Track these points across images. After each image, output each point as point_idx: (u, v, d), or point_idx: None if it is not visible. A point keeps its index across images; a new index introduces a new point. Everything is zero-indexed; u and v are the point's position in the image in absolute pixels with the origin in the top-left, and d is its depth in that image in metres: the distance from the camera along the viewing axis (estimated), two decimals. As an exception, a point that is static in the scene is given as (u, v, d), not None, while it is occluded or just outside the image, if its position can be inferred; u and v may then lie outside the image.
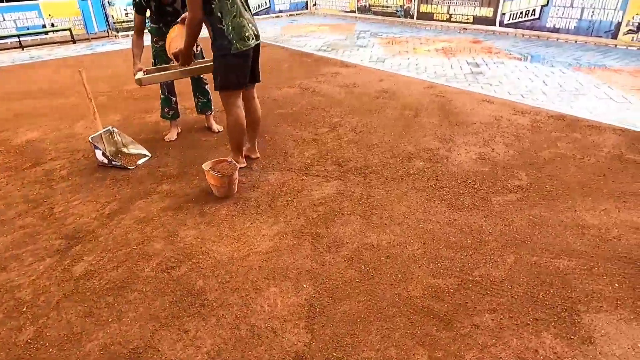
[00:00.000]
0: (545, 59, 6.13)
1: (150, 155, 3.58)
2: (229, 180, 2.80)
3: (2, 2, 10.05)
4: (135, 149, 3.64)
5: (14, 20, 9.88)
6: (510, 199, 2.68)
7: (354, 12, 11.60)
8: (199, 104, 4.03)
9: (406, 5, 9.98)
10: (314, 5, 13.15)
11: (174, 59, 3.19)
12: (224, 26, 2.71)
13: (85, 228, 2.62)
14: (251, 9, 2.95)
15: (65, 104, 5.14)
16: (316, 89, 5.18)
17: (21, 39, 9.61)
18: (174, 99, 3.90)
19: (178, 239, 2.47)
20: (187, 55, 2.99)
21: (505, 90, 4.85)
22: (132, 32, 3.61)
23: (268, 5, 12.52)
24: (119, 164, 3.39)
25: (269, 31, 9.96)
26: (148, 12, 3.47)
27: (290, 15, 12.94)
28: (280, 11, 12.82)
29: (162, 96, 3.89)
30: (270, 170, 3.22)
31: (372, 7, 10.99)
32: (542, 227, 2.40)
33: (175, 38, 3.14)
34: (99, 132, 3.44)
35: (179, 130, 4.05)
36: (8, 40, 9.70)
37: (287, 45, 8.08)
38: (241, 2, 2.81)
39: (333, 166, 3.24)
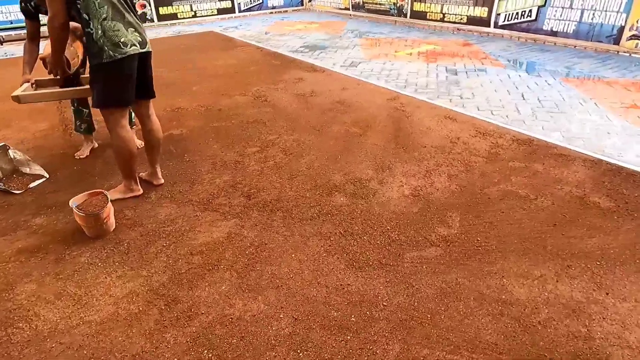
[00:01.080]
0: (534, 66, 5.51)
1: (47, 177, 3.16)
2: (94, 220, 2.36)
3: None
4: (31, 169, 3.22)
5: (-3, 15, 9.63)
6: (428, 256, 2.17)
7: (348, 9, 11.03)
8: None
9: (399, 3, 9.37)
10: (310, 1, 12.60)
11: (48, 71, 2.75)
12: (92, 30, 2.29)
13: None
14: (136, 11, 2.49)
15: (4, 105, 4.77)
16: (269, 98, 4.70)
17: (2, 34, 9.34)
18: (86, 110, 3.46)
19: (10, 296, 2.03)
20: (55, 63, 2.56)
21: (476, 104, 4.28)
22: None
23: (260, 1, 12.03)
24: (3, 187, 2.98)
25: (252, 29, 9.49)
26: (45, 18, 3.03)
27: (285, 12, 12.42)
28: (274, 7, 12.30)
29: (72, 107, 3.46)
30: (166, 202, 2.76)
31: (365, 5, 10.39)
32: (452, 300, 1.89)
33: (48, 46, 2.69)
34: (-15, 151, 3.04)
35: (95, 146, 3.62)
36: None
37: (265, 46, 7.59)
38: (120, 2, 2.38)
39: (240, 199, 2.76)
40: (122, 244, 2.37)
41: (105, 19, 2.28)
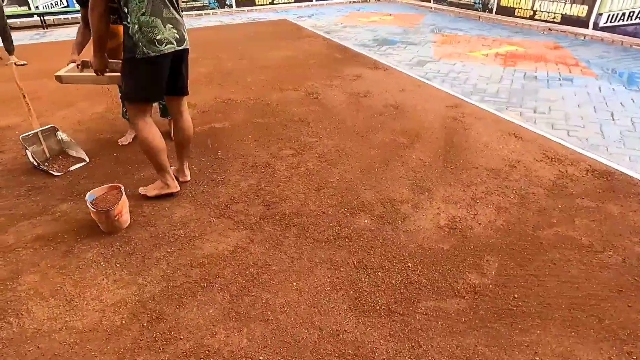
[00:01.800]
0: (635, 79, 4.68)
1: (87, 161, 3.23)
2: (105, 216, 2.31)
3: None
4: (76, 152, 3.32)
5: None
6: (447, 309, 1.83)
7: (429, 1, 10.36)
8: (160, 106, 3.59)
9: (485, -3, 8.57)
10: (390, -9, 12.06)
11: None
12: (129, 24, 2.20)
13: (-53, 249, 2.33)
14: (178, 6, 2.36)
15: (66, 87, 5.04)
16: (320, 95, 4.47)
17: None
18: (132, 98, 3.50)
19: (12, 285, 2.05)
20: (96, 62, 2.48)
21: (550, 120, 3.70)
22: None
23: (339, -10, 11.74)
24: (44, 169, 3.09)
25: (324, 19, 9.26)
26: None
27: (364, 1, 12.02)
28: (353, -4, 11.96)
29: (120, 93, 3.51)
30: (186, 202, 2.67)
31: (448, -3, 9.68)
32: (464, 374, 1.55)
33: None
34: (34, 132, 3.16)
35: (139, 133, 3.65)
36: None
37: (332, 37, 7.34)
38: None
39: (259, 207, 2.59)
40: (129, 244, 2.30)
41: (143, 13, 2.17)
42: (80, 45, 3.07)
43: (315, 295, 1.92)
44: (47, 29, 9.52)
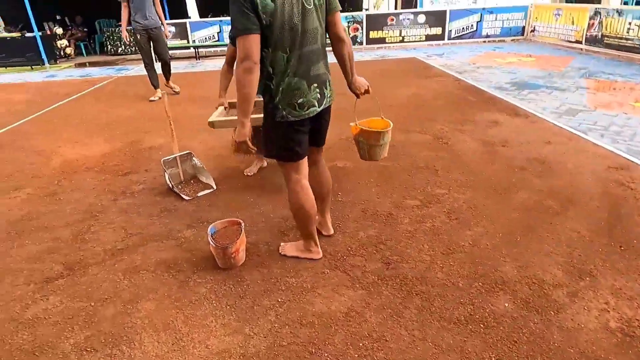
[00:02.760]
0: None
1: (214, 188, 3.35)
2: (222, 252, 2.28)
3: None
4: (206, 178, 3.47)
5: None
6: None
7: (580, 42, 9.30)
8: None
9: (655, 39, 7.36)
10: (532, 31, 11.16)
11: None
12: (272, 85, 1.99)
13: (86, 261, 2.51)
14: (326, 57, 2.10)
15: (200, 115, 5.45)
16: (451, 141, 4.11)
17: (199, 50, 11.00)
18: (262, 131, 3.58)
19: (131, 310, 2.08)
20: (240, 123, 2.00)
21: None
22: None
23: (474, 29, 11.25)
24: (177, 192, 3.26)
25: (456, 58, 8.85)
26: None
27: (500, 41, 11.32)
28: (488, 36, 11.35)
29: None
30: (301, 246, 2.53)
31: (605, 38, 8.57)
32: None
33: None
34: (174, 156, 3.38)
35: (264, 165, 3.72)
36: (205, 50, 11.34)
37: (464, 78, 6.92)
38: (312, 52, 1.99)
39: (377, 264, 2.33)
40: (242, 284, 2.22)
41: (289, 74, 1.96)
42: (224, 89, 3.22)
43: (441, 395, 1.58)
44: (199, 59, 10.75)
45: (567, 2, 11.41)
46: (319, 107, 2.08)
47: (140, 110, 5.85)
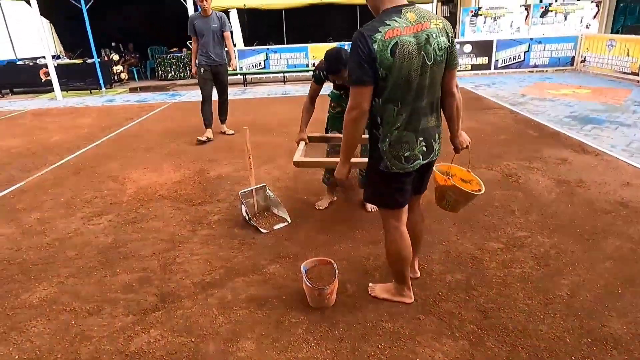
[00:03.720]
0: None
1: (289, 222, 3.39)
2: (318, 293, 2.28)
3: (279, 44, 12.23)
4: (280, 211, 3.52)
5: (287, 59, 11.86)
6: None
7: (637, 74, 9.05)
8: (359, 176, 3.64)
9: None
10: (583, 61, 10.95)
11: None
12: (379, 135, 1.99)
13: (179, 293, 2.57)
14: (438, 111, 2.08)
15: (268, 143, 5.59)
16: (521, 179, 4.03)
17: (286, 75, 11.47)
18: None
19: (232, 349, 2.11)
20: (342, 163, 2.12)
21: None
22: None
23: (522, 59, 11.15)
24: (254, 224, 3.32)
25: (506, 89, 8.77)
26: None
27: (549, 71, 11.16)
28: (536, 66, 11.21)
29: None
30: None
31: (665, 71, 8.30)
32: None
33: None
34: (251, 188, 3.46)
35: (334, 199, 3.75)
36: (279, 75, 11.67)
37: (519, 110, 6.83)
38: (424, 106, 1.96)
39: (473, 313, 2.28)
40: (337, 327, 2.22)
41: (398, 127, 1.94)
42: (305, 123, 3.30)
43: None
44: (246, 86, 11.08)
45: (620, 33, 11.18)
46: (423, 160, 2.05)
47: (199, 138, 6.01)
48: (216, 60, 5.64)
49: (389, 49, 1.77)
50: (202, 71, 5.68)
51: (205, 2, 5.37)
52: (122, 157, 5.37)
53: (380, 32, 1.77)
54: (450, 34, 1.92)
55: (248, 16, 13.04)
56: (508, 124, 6.05)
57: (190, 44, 6.04)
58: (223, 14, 5.66)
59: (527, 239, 2.99)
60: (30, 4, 10.20)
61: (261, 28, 13.84)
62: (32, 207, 3.92)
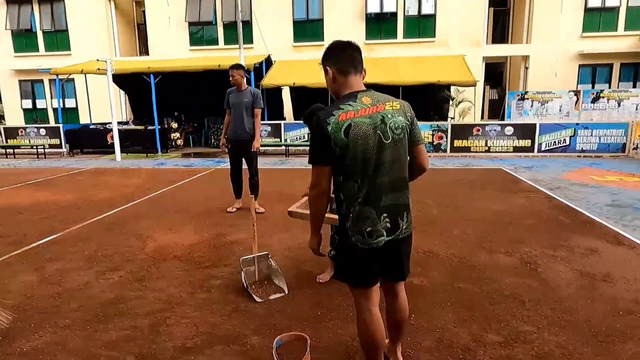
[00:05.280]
0: None
1: (285, 292, 3.36)
2: (285, 371, 2.21)
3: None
4: (278, 280, 3.52)
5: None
6: None
7: (695, 164, 8.46)
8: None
9: None
10: (635, 148, 10.46)
11: None
12: (342, 211, 2.04)
13: (158, 355, 2.58)
14: (407, 185, 2.10)
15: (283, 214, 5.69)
16: (540, 267, 3.78)
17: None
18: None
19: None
20: (311, 236, 2.21)
21: None
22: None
23: (567, 143, 10.86)
24: (251, 292, 3.32)
25: (547, 173, 8.48)
26: None
27: (598, 157, 10.73)
28: (583, 150, 10.85)
29: (330, 233, 3.68)
30: (366, 374, 2.37)
31: None
32: None
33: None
34: (252, 256, 3.52)
35: (337, 273, 3.69)
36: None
37: (556, 195, 6.54)
38: (387, 184, 1.99)
39: (451, 412, 2.08)
40: (300, 410, 2.10)
41: (359, 202, 1.98)
42: None
43: None
44: (288, 157, 11.58)
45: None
46: (387, 237, 2.02)
47: (229, 203, 6.19)
48: (242, 135, 5.65)
49: (342, 130, 1.90)
50: (229, 145, 5.81)
51: (233, 78, 5.56)
52: (153, 217, 5.69)
53: (334, 115, 1.92)
54: (408, 114, 2.04)
55: (297, 92, 13.94)
56: (539, 209, 5.79)
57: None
58: (258, 90, 5.92)
59: (532, 334, 2.75)
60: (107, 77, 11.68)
61: (309, 104, 14.68)
62: (57, 258, 4.20)
